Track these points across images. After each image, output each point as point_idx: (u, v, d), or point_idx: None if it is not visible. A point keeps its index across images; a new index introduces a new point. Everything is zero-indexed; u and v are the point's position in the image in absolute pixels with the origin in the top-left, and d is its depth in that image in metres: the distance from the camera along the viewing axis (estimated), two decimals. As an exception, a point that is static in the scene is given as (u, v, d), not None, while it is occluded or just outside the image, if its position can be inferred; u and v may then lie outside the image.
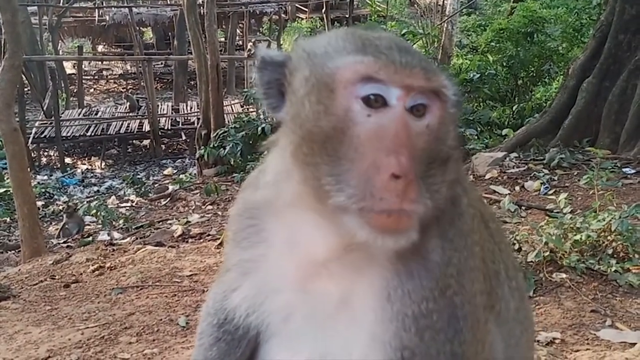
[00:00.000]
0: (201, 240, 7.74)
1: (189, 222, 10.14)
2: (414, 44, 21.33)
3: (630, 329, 3.77)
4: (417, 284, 1.44)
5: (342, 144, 1.34)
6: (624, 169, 9.69)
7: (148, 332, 3.84)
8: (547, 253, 4.59)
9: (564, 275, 4.53)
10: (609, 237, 4.62)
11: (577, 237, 4.55)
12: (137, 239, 9.37)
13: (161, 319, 4.06)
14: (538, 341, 3.44)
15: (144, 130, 25.92)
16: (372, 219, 1.32)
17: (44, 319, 4.28)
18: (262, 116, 17.41)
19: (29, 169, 12.04)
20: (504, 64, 18.38)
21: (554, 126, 11.97)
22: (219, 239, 7.43)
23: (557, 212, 5.44)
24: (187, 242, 7.84)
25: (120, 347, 3.60)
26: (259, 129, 16.26)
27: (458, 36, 26.16)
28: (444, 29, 23.31)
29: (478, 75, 17.55)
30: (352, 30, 1.50)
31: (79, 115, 27.95)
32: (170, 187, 16.42)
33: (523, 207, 7.75)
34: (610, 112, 11.26)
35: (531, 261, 4.59)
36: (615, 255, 4.58)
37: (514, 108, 17.39)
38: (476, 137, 14.44)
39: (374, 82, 1.33)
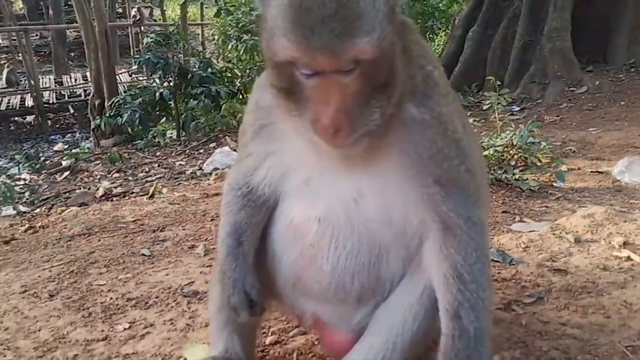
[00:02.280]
0: (127, 198, 7.80)
1: (106, 188, 10.02)
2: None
3: (535, 222, 4.47)
4: (423, 134, 1.86)
5: (299, 94, 1.71)
6: (510, 107, 10.69)
7: (115, 263, 4.03)
8: (462, 169, 5.24)
9: (477, 186, 5.20)
10: (511, 152, 5.35)
11: (485, 152, 5.23)
12: (52, 207, 9.16)
13: (123, 253, 4.25)
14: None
15: (26, 106, 24.58)
16: (329, 144, 1.74)
17: (1, 266, 4.36)
18: (157, 82, 17.04)
19: None
20: (389, 21, 19.12)
21: (445, 74, 12.85)
22: (145, 195, 7.54)
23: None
24: (112, 200, 7.86)
25: (92, 277, 3.78)
26: (157, 94, 15.92)
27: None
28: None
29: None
30: None
31: (-51, 93, 25.99)
32: (65, 162, 15.86)
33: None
34: (494, 58, 12.28)
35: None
36: (517, 166, 5.32)
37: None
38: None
39: (301, 64, 1.65)
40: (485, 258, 1.95)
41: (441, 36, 19.16)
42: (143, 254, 4.23)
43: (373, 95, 1.70)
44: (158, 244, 4.51)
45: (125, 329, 2.99)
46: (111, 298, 3.40)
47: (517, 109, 10.55)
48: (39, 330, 3.04)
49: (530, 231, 4.06)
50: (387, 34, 1.64)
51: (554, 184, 5.56)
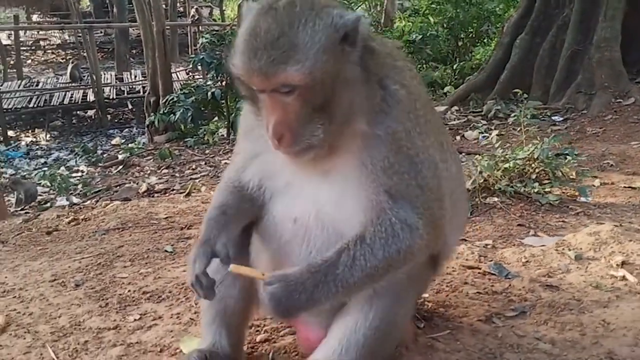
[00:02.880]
0: (167, 194, 8.19)
1: (150, 183, 10.47)
2: (357, 7, 21.77)
3: (549, 237, 4.51)
4: (377, 150, 2.10)
5: (257, 105, 2.09)
6: (553, 117, 10.58)
7: (139, 258, 4.32)
8: (482, 181, 5.31)
9: (496, 199, 5.25)
10: (532, 165, 5.38)
11: (506, 165, 5.29)
12: (99, 200, 9.64)
13: (149, 249, 4.54)
14: (475, 245, 4.14)
15: (88, 100, 25.60)
16: (276, 149, 2.05)
17: (38, 255, 4.69)
18: (210, 82, 17.53)
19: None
20: (445, 25, 18.99)
21: (491, 81, 12.77)
22: (184, 192, 7.88)
23: (491, 149, 6.15)
24: (153, 197, 8.26)
25: (117, 270, 4.08)
26: (209, 94, 16.35)
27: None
28: (386, -8, 23.67)
29: (420, 36, 18.07)
30: (251, 22, 2.01)
31: (18, 87, 27.30)
32: (121, 156, 16.52)
33: (463, 154, 8.44)
34: (541, 66, 12.12)
35: (468, 189, 5.30)
36: (537, 180, 5.34)
37: (454, 67, 18.14)
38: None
39: (246, 81, 2.02)
40: (395, 253, 2.10)
41: (496, 40, 18.96)
42: (166, 250, 4.50)
43: (315, 114, 1.99)
44: (182, 241, 4.78)
45: (135, 319, 3.24)
46: (129, 290, 3.67)
47: (560, 119, 10.41)
48: (59, 316, 3.33)
49: (541, 246, 4.12)
50: (321, 63, 1.92)
51: (579, 199, 5.54)
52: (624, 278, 3.29)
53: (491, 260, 3.71)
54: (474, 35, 19.76)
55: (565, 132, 9.63)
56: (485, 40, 19.57)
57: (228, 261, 2.21)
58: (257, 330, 2.97)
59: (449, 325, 2.84)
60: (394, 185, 2.10)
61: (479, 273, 3.54)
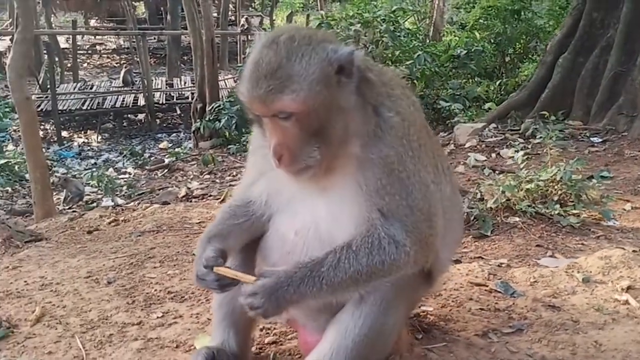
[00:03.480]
0: (204, 200, 8.51)
1: (190, 188, 10.83)
2: (405, 20, 21.89)
3: (566, 259, 4.57)
4: (371, 171, 2.30)
5: (262, 127, 2.35)
6: (592, 138, 10.49)
7: (169, 260, 4.60)
8: (504, 200, 5.41)
9: (517, 219, 5.33)
10: (555, 187, 5.44)
11: (529, 186, 5.37)
12: (141, 202, 10.04)
13: (179, 252, 4.81)
14: (489, 263, 4.25)
15: (139, 104, 26.39)
16: (277, 168, 2.29)
17: (77, 253, 5.03)
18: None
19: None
20: (492, 40, 18.92)
21: (532, 99, 12.70)
22: (219, 198, 8.18)
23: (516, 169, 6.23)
24: (190, 201, 8.60)
25: (147, 270, 4.35)
26: (253, 102, 16.68)
27: (449, 13, 26.70)
28: (436, 5, 23.71)
29: (465, 51, 18.04)
30: (256, 53, 2.25)
31: (74, 89, 28.35)
32: (167, 160, 17.05)
33: (497, 172, 8.48)
34: (583, 86, 12.01)
35: (490, 207, 5.41)
36: (560, 202, 5.39)
37: (497, 83, 18.05)
38: (462, 111, 15.02)
39: (249, 107, 2.29)
40: (379, 263, 2.28)
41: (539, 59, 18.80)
42: (194, 254, 4.76)
43: (311, 138, 2.22)
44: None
45: (158, 317, 3.50)
46: (155, 290, 3.94)
47: (599, 140, 10.31)
48: (89, 310, 3.62)
49: (555, 267, 4.20)
50: (314, 93, 2.16)
51: (604, 222, 5.56)
52: (626, 302, 3.37)
53: (500, 279, 3.83)
54: (521, 52, 19.61)
55: (603, 153, 9.56)
56: (532, 57, 19.37)
57: (216, 259, 2.46)
58: (267, 333, 3.17)
59: (446, 338, 2.99)
60: (386, 205, 2.29)
61: (485, 290, 3.67)
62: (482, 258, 4.60)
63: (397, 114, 2.35)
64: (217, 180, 12.51)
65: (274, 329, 3.21)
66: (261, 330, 3.19)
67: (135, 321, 3.44)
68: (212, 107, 17.91)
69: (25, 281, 4.24)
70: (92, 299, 3.81)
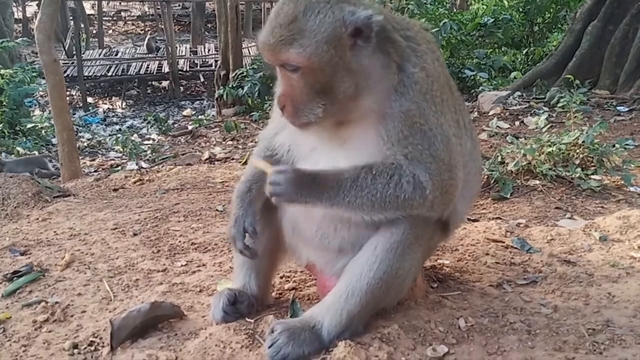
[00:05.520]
0: (227, 162, 8.63)
1: (214, 153, 10.96)
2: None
3: (585, 220, 4.58)
4: (392, 124, 2.34)
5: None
6: (618, 107, 10.35)
7: (192, 215, 4.71)
8: (525, 163, 5.42)
9: (537, 182, 5.34)
10: (577, 150, 5.42)
11: (550, 149, 5.36)
12: (164, 165, 10.19)
13: (202, 207, 4.93)
14: (507, 223, 4.29)
15: (163, 71, 26.57)
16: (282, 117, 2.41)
17: (104, 207, 5.17)
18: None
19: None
20: (520, 9, 18.56)
21: (558, 68, 12.52)
22: (242, 161, 8.29)
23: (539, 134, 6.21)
24: (213, 164, 8.72)
25: (171, 224, 4.47)
26: (276, 69, 16.68)
27: (476, -19, 26.18)
28: (463, -27, 23.28)
29: (492, 20, 17.73)
30: (278, 5, 2.30)
31: (99, 55, 28.59)
32: (190, 126, 17.19)
33: (520, 139, 8.43)
34: (611, 55, 11.80)
35: (511, 170, 5.42)
36: (581, 165, 5.37)
37: (524, 53, 17.78)
38: (487, 81, 14.86)
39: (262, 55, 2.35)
40: (393, 196, 2.34)
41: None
42: (217, 210, 4.88)
43: (317, 95, 2.30)
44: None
45: (182, 265, 3.62)
46: (180, 241, 4.06)
47: (626, 109, 10.15)
48: (116, 258, 3.75)
49: (574, 228, 4.22)
50: (322, 51, 2.23)
51: (626, 188, 5.54)
52: (642, 259, 3.40)
53: (517, 236, 3.87)
54: (550, 21, 19.20)
55: (629, 122, 9.44)
56: (562, 27, 18.98)
57: (255, 235, 2.60)
58: (287, 280, 3.28)
59: (461, 288, 3.06)
60: (409, 153, 2.34)
61: (502, 246, 3.72)
62: (501, 218, 4.64)
63: (421, 70, 2.38)
64: (240, 146, 12.62)
65: (294, 276, 3.31)
66: (281, 277, 3.29)
67: (161, 268, 3.56)
68: (236, 74, 17.95)
69: (54, 231, 4.40)
70: (119, 248, 3.95)
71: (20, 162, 13.28)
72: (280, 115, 2.43)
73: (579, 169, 5.29)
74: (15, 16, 27.61)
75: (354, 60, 2.29)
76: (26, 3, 29.52)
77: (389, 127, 2.34)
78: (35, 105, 22.02)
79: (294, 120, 2.38)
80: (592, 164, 5.45)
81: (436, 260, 3.45)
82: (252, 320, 2.70)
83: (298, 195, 2.35)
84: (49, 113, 14.66)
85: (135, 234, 4.26)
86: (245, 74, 17.73)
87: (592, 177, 5.36)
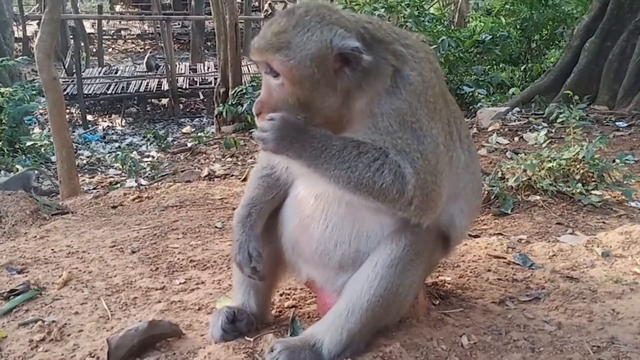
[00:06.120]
0: (226, 179, 8.60)
1: (213, 170, 10.93)
2: (430, 6, 21.69)
3: (586, 236, 4.55)
4: (380, 118, 2.33)
5: None
6: (617, 123, 10.36)
7: (191, 232, 4.68)
8: (525, 179, 5.40)
9: (537, 197, 5.31)
10: (577, 166, 5.41)
11: (550, 164, 5.34)
12: (164, 182, 10.15)
13: (201, 224, 4.89)
14: (508, 239, 4.26)
15: (162, 89, 26.60)
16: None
17: (102, 225, 5.13)
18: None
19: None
20: (518, 26, 18.66)
21: (557, 84, 12.56)
22: (241, 177, 8.26)
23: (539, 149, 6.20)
24: (212, 180, 8.69)
25: (170, 241, 4.44)
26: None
27: (475, -1, 26.39)
28: (462, -9, 23.48)
29: (490, 37, 17.82)
30: (275, 17, 2.37)
31: (99, 73, 28.66)
32: (190, 144, 17.18)
33: (522, 155, 8.42)
34: (609, 71, 11.84)
35: (511, 186, 5.40)
36: (581, 181, 5.36)
37: (522, 69, 17.86)
38: (486, 97, 14.90)
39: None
40: (371, 182, 2.29)
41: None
42: (216, 227, 4.85)
43: (295, 108, 2.33)
44: (233, 219, 5.10)
45: (180, 283, 3.58)
46: (178, 259, 4.02)
47: (625, 124, 10.17)
48: (114, 276, 3.71)
49: (576, 244, 4.19)
50: (303, 67, 2.26)
51: (627, 203, 5.52)
52: (646, 275, 3.37)
53: (519, 252, 3.84)
54: (547, 38, 19.31)
55: (628, 138, 9.44)
56: (559, 43, 19.08)
57: (260, 259, 2.57)
58: (287, 298, 3.23)
59: (463, 305, 3.02)
60: (398, 144, 2.31)
61: (503, 262, 3.69)
62: (502, 234, 4.61)
63: (418, 74, 2.37)
64: (239, 163, 12.58)
65: (294, 294, 3.27)
66: (281, 295, 3.25)
67: (159, 286, 3.52)
68: (235, 92, 17.98)
69: (52, 249, 4.36)
70: (117, 265, 3.91)
71: (9, 182, 13.06)
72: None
73: (579, 184, 5.27)
74: (16, 35, 27.72)
75: (340, 82, 2.31)
76: (27, 22, 29.66)
77: (376, 121, 2.34)
78: (35, 123, 22.03)
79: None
80: (593, 179, 5.43)
81: (437, 277, 3.42)
82: (252, 339, 2.66)
83: (281, 145, 2.33)
84: (49, 131, 14.67)
85: (133, 252, 4.22)
86: (244, 91, 17.76)
87: (593, 192, 5.34)
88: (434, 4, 22.95)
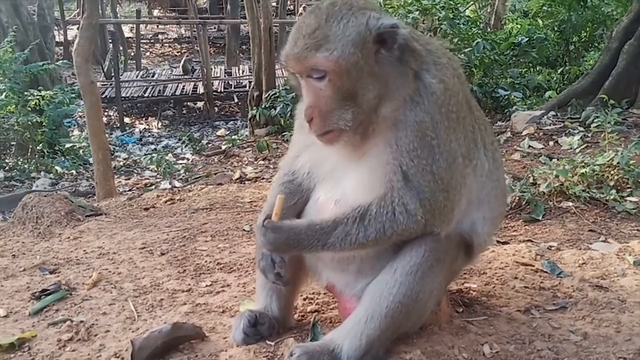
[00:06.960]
0: (257, 182, 8.66)
1: (244, 172, 11.02)
2: (466, 8, 21.46)
3: (619, 244, 4.45)
4: (404, 133, 2.33)
5: (301, 92, 2.42)
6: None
7: (220, 235, 4.74)
8: (557, 185, 5.31)
9: (570, 204, 5.22)
10: (612, 172, 5.29)
11: (584, 170, 5.24)
12: (196, 184, 10.28)
13: (229, 227, 4.95)
14: (537, 246, 4.19)
15: (198, 92, 26.92)
16: (309, 132, 2.38)
17: (134, 226, 5.23)
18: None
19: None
20: (555, 28, 18.34)
21: (594, 87, 12.30)
22: (271, 181, 8.31)
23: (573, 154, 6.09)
24: (244, 183, 8.76)
25: (198, 244, 4.50)
26: (309, 90, 16.79)
27: (512, 0, 26.04)
28: (498, -8, 23.20)
29: (526, 39, 17.53)
30: (300, 19, 2.39)
31: (137, 77, 29.15)
32: (224, 146, 17.36)
33: (554, 160, 8.27)
34: (649, 74, 11.57)
35: (543, 191, 5.31)
36: (616, 187, 5.24)
37: (559, 72, 17.54)
38: (521, 100, 14.67)
39: (286, 66, 2.38)
40: (389, 234, 2.35)
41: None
42: (244, 229, 4.89)
43: (344, 101, 2.28)
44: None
45: (206, 285, 3.62)
46: (206, 261, 4.07)
47: (661, 130, 9.93)
48: (142, 277, 3.78)
49: (608, 252, 4.10)
50: (348, 54, 2.23)
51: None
52: (678, 285, 3.28)
53: (547, 260, 3.78)
54: (586, 40, 18.92)
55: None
56: (598, 46, 18.67)
57: (284, 264, 2.57)
58: (310, 302, 3.24)
59: (487, 313, 2.99)
60: (412, 168, 2.31)
61: (531, 270, 3.63)
62: (532, 241, 4.54)
63: (440, 82, 2.37)
64: (271, 166, 12.64)
65: (317, 299, 3.28)
66: (304, 299, 3.26)
67: (185, 288, 3.57)
68: (269, 95, 18.09)
69: (84, 250, 4.46)
70: (146, 267, 3.98)
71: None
72: (306, 131, 2.40)
73: (613, 191, 5.17)
74: (57, 39, 28.40)
75: (377, 67, 2.30)
76: (67, 27, 30.39)
77: (400, 135, 2.33)
78: (74, 125, 22.52)
79: (322, 131, 2.35)
80: (628, 186, 5.32)
81: (462, 284, 3.39)
82: (273, 343, 2.68)
83: (285, 249, 2.47)
84: (87, 133, 15.00)
85: (162, 254, 4.29)
86: (278, 94, 17.85)
87: (628, 199, 5.23)
88: (469, 6, 22.67)
